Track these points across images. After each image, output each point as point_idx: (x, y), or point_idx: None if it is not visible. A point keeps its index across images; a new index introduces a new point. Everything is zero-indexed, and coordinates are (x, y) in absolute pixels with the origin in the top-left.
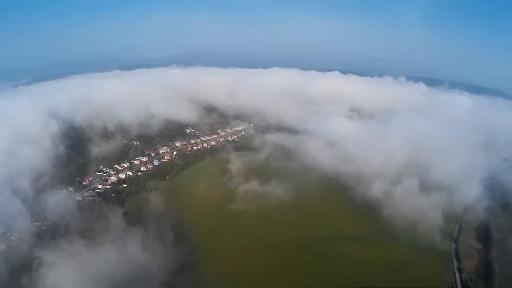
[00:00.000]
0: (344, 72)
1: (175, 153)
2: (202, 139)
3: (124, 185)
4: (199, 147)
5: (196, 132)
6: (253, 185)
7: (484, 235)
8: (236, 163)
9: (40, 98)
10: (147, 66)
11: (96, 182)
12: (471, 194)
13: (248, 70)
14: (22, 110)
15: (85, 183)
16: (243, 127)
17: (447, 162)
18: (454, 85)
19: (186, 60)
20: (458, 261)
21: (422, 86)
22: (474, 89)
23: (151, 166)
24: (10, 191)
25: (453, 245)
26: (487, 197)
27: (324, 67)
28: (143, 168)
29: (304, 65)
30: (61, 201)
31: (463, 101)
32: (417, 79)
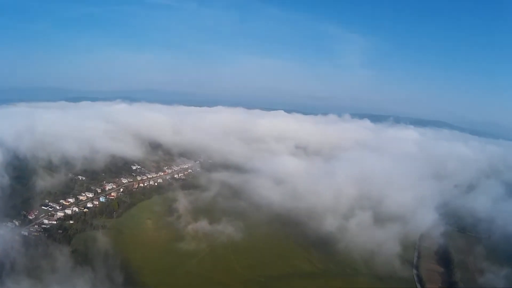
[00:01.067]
0: (288, 111)
1: (121, 190)
2: (149, 176)
3: (71, 222)
4: (145, 184)
5: (142, 169)
6: (202, 224)
7: (444, 258)
8: (183, 202)
9: None
10: (93, 99)
11: (42, 217)
12: (426, 221)
13: (192, 108)
14: None
15: (30, 218)
16: (189, 165)
17: (399, 193)
18: (399, 120)
19: (131, 96)
20: (422, 286)
21: (367, 122)
22: (419, 122)
23: (97, 203)
24: None
25: (415, 271)
26: (443, 223)
27: (269, 106)
28: (89, 205)
29: (249, 104)
30: (6, 235)
31: (409, 134)
32: (361, 116)
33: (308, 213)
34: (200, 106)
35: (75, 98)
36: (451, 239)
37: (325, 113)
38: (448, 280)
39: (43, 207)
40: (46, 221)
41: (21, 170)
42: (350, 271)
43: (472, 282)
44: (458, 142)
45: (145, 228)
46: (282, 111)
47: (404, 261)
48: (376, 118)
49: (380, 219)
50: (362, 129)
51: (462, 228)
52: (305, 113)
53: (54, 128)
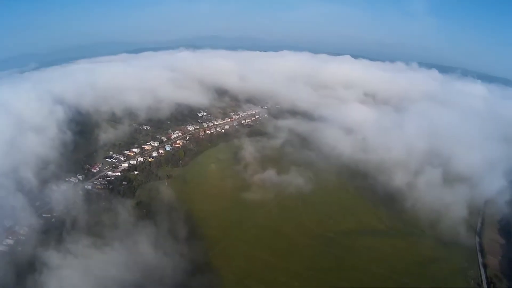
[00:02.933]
0: (355, 56)
1: (187, 137)
2: (215, 123)
3: (136, 172)
4: (212, 131)
5: (209, 115)
6: (270, 174)
7: (506, 229)
8: (251, 150)
9: (46, 84)
10: (155, 49)
11: (106, 170)
12: (493, 186)
13: (258, 53)
14: (27, 97)
15: (94, 171)
16: (256, 111)
17: (467, 153)
18: (466, 73)
19: (194, 43)
20: (483, 256)
21: (435, 73)
22: (486, 77)
23: (163, 152)
24: (16, 183)
25: (477, 239)
26: (509, 191)
27: (335, 51)
28: (154, 154)
29: (315, 49)
30: (69, 190)
31: (477, 89)
32: (429, 66)
33: (378, 166)
34: (265, 51)
35: (137, 50)
36: None
37: (392, 61)
38: (509, 254)
39: (107, 159)
40: (110, 173)
41: (84, 125)
42: (417, 232)
43: None
44: None
45: (212, 178)
46: (349, 56)
47: (468, 227)
48: (443, 69)
49: (447, 178)
50: (430, 80)
51: None
52: (372, 60)
53: (116, 80)
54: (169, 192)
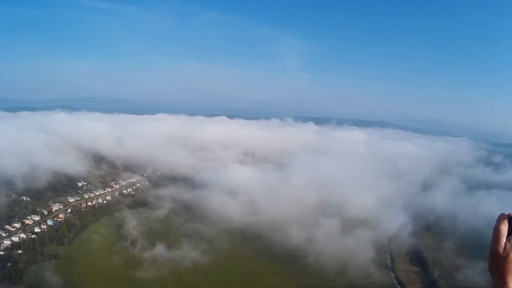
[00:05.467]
0: (230, 116)
1: (69, 210)
2: (96, 193)
3: (20, 251)
4: (94, 203)
5: (89, 185)
6: (160, 248)
7: (417, 258)
8: (136, 223)
9: None
10: (32, 109)
11: None
12: (391, 222)
13: (134, 116)
14: None
15: None
16: (136, 179)
17: (359, 196)
18: (341, 121)
19: (70, 104)
20: None
21: (311, 125)
22: (362, 123)
23: (45, 227)
24: None
25: (392, 274)
26: (407, 222)
27: (211, 112)
28: (37, 229)
29: (190, 111)
30: None
31: (355, 135)
32: (304, 119)
33: (270, 225)
34: (141, 114)
35: (14, 108)
36: (419, 238)
37: (267, 118)
38: (427, 279)
39: None
40: None
41: None
42: (329, 283)
43: (450, 278)
44: (404, 140)
45: (100, 256)
46: (224, 117)
47: (379, 266)
48: (319, 120)
49: (346, 225)
50: (307, 132)
51: (427, 226)
52: (247, 118)
53: None
54: (58, 275)
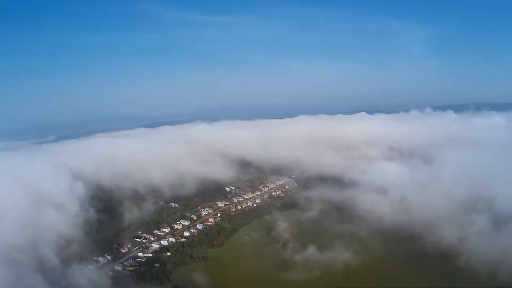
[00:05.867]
0: (370, 112)
1: (218, 214)
2: (245, 197)
3: (168, 254)
4: (243, 206)
5: (237, 190)
6: (311, 250)
7: None
8: (287, 225)
9: (64, 157)
10: (171, 123)
11: (135, 250)
12: None
13: (274, 120)
14: (45, 170)
15: (123, 251)
16: (284, 181)
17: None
18: (480, 106)
19: (209, 115)
20: None
21: (451, 113)
22: (499, 106)
23: (195, 231)
24: (36, 261)
25: None
26: None
27: (349, 110)
28: (186, 234)
29: (329, 110)
30: (98, 271)
31: (496, 121)
32: (443, 108)
33: (422, 224)
34: (281, 118)
35: (154, 124)
36: None
37: (406, 110)
38: None
39: (136, 239)
40: (140, 254)
41: (107, 202)
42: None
43: None
44: None
45: (250, 258)
46: (364, 113)
47: None
48: (457, 108)
49: (496, 222)
50: (449, 122)
51: None
52: (386, 112)
53: (136, 156)
54: (207, 276)
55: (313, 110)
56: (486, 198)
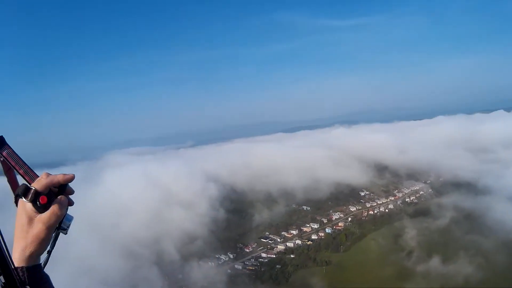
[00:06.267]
0: (508, 109)
1: (349, 219)
2: (378, 202)
3: (292, 256)
4: (375, 212)
5: (371, 194)
6: (435, 261)
7: None
8: (415, 232)
9: (200, 161)
10: (310, 127)
11: (259, 250)
12: None
13: (413, 122)
14: (178, 172)
15: (247, 250)
16: (419, 186)
17: None
18: None
19: (348, 118)
20: None
21: None
22: None
23: (323, 235)
24: (156, 256)
25: None
26: None
27: (487, 108)
28: (314, 237)
29: (467, 109)
30: (217, 268)
31: None
32: None
33: None
34: (420, 119)
35: (293, 129)
36: None
37: None
38: None
39: (262, 240)
40: (264, 255)
41: (238, 203)
42: None
43: None
44: None
45: (373, 265)
46: (502, 111)
47: None
48: None
49: None
50: None
51: None
52: None
53: (271, 160)
54: (326, 281)
55: (451, 110)
56: None
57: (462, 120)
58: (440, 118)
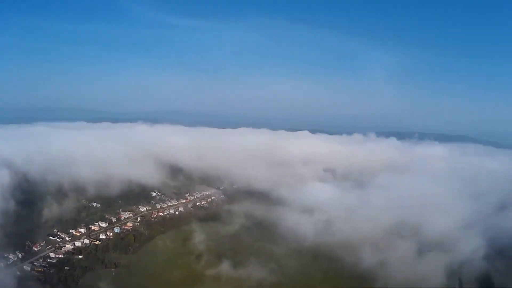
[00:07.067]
0: (312, 131)
1: (138, 219)
2: (169, 204)
3: (80, 256)
4: (165, 213)
5: (162, 195)
6: (226, 265)
7: (486, 284)
8: (205, 237)
9: None
10: (113, 120)
11: (48, 249)
12: (467, 245)
13: (215, 129)
14: None
15: (36, 249)
16: (212, 191)
17: (437, 218)
18: (423, 136)
19: (153, 116)
20: None
21: (393, 140)
22: (443, 137)
23: (111, 234)
24: None
25: None
26: (482, 246)
27: (292, 127)
28: (102, 236)
29: (272, 125)
30: (4, 270)
31: (436, 151)
32: (387, 134)
33: (344, 246)
34: (223, 128)
35: (96, 119)
36: (491, 262)
37: (350, 133)
38: None
39: (50, 237)
40: (52, 255)
41: (30, 194)
42: None
43: None
44: (485, 156)
45: (163, 269)
46: (306, 132)
47: None
48: (401, 135)
49: (419, 248)
50: (389, 149)
51: (500, 249)
52: (329, 133)
53: (69, 149)
54: (114, 285)
55: (257, 123)
56: (412, 224)
57: (265, 134)
58: (244, 129)
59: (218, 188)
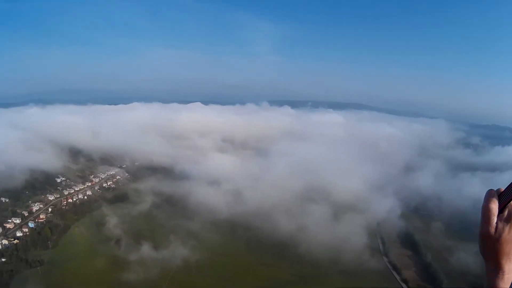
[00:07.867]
0: (205, 102)
1: (50, 209)
2: (76, 189)
3: (3, 259)
4: (75, 199)
5: (68, 180)
6: (147, 247)
7: (408, 241)
8: (119, 220)
9: None
10: (4, 105)
11: None
12: (380, 205)
13: (107, 106)
14: None
15: None
16: (115, 171)
17: (344, 181)
18: (317, 104)
19: (44, 98)
20: (398, 273)
21: (287, 109)
22: (337, 105)
23: (27, 230)
24: None
25: (385, 259)
26: (396, 205)
27: (184, 99)
28: (19, 234)
29: (164, 98)
30: None
31: (333, 118)
32: (280, 103)
33: (258, 215)
34: (115, 104)
35: None
36: (407, 221)
37: (242, 103)
38: (421, 262)
39: None
40: None
41: None
42: (324, 272)
43: (443, 261)
44: (381, 122)
45: (86, 259)
46: (199, 103)
47: (371, 250)
48: (294, 104)
49: (333, 211)
50: (284, 117)
51: (414, 208)
52: (222, 104)
53: None
54: (44, 284)
55: (148, 97)
56: (320, 188)
57: (158, 108)
58: (135, 104)
59: (120, 167)
